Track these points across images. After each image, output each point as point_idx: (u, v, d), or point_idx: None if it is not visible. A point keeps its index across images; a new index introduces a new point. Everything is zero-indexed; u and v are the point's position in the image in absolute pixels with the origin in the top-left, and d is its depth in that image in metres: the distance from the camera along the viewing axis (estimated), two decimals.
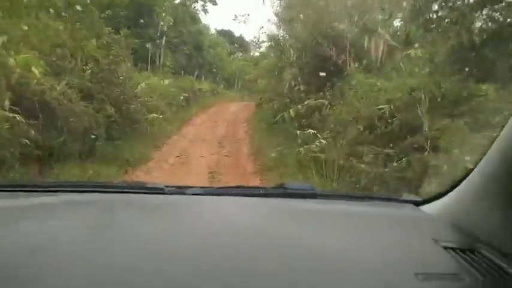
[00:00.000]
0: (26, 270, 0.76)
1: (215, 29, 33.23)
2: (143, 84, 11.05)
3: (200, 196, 1.35)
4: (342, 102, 7.50)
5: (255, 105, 15.52)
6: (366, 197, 1.61)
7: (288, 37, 12.26)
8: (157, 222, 1.08)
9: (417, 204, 1.35)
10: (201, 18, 24.40)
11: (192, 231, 1.02)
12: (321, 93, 8.73)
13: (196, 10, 23.09)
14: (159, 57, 16.77)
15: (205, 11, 23.42)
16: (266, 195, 1.40)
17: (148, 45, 15.56)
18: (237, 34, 41.30)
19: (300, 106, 8.79)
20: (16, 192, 1.31)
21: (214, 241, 0.93)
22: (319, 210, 1.32)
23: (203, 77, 22.90)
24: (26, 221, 1.03)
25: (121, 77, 8.76)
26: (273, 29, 15.31)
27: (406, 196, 1.45)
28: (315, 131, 7.04)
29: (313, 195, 1.39)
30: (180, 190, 1.35)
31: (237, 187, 1.53)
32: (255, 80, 18.49)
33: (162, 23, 16.97)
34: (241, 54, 38.28)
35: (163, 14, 17.13)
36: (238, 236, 0.99)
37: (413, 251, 0.99)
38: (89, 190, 1.37)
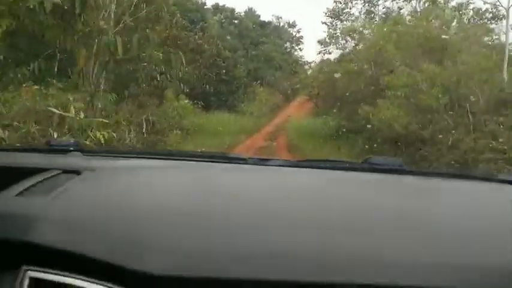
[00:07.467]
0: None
1: None
2: None
3: (285, 167, 1.29)
4: None
5: None
6: (459, 174, 1.47)
7: None
8: (247, 188, 1.03)
9: None
10: None
11: (281, 196, 0.96)
12: None
13: None
14: None
15: None
16: (351, 169, 1.32)
17: None
18: None
19: None
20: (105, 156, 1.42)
21: (303, 207, 0.88)
22: (409, 185, 1.22)
23: None
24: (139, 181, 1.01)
25: None
26: None
27: (504, 175, 1.36)
28: None
29: (401, 171, 1.30)
30: (263, 162, 1.32)
31: (322, 161, 1.44)
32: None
33: None
34: None
35: None
36: (324, 204, 0.93)
37: None
38: (178, 158, 1.42)
